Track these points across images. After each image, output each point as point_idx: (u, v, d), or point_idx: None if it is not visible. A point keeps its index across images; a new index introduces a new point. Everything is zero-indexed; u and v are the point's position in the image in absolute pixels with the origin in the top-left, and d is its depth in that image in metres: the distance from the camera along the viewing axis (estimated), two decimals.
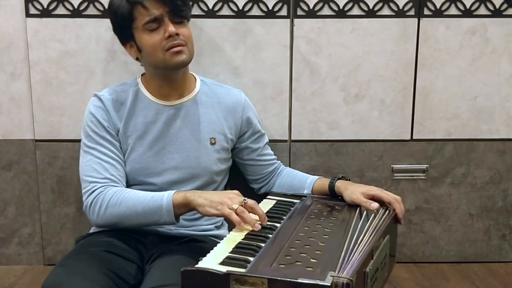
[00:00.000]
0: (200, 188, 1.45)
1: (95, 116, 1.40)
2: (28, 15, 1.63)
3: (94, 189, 1.33)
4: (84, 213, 1.37)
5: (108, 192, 1.32)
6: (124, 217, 1.30)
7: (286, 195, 1.46)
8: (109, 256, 1.29)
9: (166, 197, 1.26)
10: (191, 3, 1.53)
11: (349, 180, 1.46)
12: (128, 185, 1.42)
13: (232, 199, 1.22)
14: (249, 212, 1.20)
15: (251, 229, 1.17)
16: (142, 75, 1.49)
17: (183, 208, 1.26)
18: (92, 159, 1.37)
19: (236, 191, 1.27)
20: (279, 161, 1.62)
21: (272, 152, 1.61)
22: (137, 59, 1.43)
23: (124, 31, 1.39)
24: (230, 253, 1.05)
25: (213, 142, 1.46)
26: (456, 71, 1.71)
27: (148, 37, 1.35)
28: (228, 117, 1.50)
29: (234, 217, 1.18)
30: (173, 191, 1.28)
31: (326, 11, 1.66)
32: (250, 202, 1.22)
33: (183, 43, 1.37)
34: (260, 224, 1.18)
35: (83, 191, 1.36)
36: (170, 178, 1.42)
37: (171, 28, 1.34)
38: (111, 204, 1.30)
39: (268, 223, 1.21)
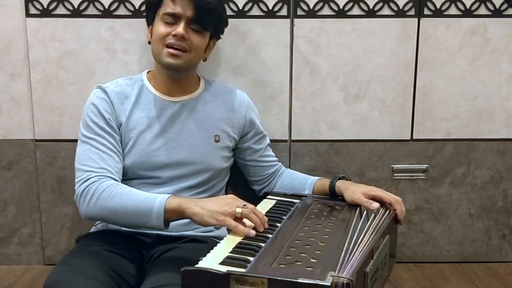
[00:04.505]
0: (201, 184, 1.45)
1: (97, 107, 1.38)
2: (28, 15, 1.63)
3: (88, 178, 1.29)
4: None
5: (102, 183, 1.28)
6: (114, 212, 1.25)
7: (286, 195, 1.46)
8: (110, 255, 1.28)
9: (159, 201, 1.21)
10: (224, 21, 1.50)
11: (350, 180, 1.46)
12: (129, 179, 1.40)
13: (230, 204, 1.17)
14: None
15: (261, 229, 1.16)
16: (148, 72, 1.50)
17: (176, 215, 1.21)
18: (90, 149, 1.34)
19: (231, 195, 1.23)
20: (280, 163, 1.62)
21: (273, 154, 1.61)
22: (149, 42, 1.45)
23: (150, 13, 1.43)
24: (230, 253, 1.05)
25: (217, 139, 1.46)
26: (456, 71, 1.71)
27: (160, 26, 1.37)
28: (231, 117, 1.50)
29: (240, 229, 1.14)
30: (168, 195, 1.23)
31: (326, 11, 1.66)
32: (250, 206, 1.19)
33: (186, 49, 1.37)
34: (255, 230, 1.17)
35: (76, 180, 1.32)
36: (172, 173, 1.42)
37: (180, 30, 1.35)
38: (103, 196, 1.25)
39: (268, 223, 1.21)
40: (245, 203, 1.20)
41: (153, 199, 1.22)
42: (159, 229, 1.23)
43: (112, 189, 1.26)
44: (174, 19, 1.36)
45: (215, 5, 1.40)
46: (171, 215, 1.21)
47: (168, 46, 1.36)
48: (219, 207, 1.17)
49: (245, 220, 1.17)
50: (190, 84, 1.48)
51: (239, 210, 1.16)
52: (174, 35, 1.35)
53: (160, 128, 1.42)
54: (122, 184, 1.31)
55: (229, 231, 1.19)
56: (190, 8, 1.36)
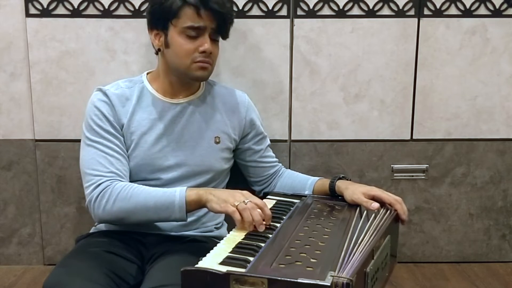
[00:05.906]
0: (202, 185, 1.45)
1: (100, 110, 1.37)
2: (28, 15, 1.63)
3: (99, 182, 1.30)
4: (84, 212, 1.36)
5: (116, 186, 1.29)
6: (133, 212, 1.27)
7: (286, 195, 1.46)
8: (109, 256, 1.28)
9: (178, 193, 1.25)
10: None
11: (350, 180, 1.46)
12: (131, 180, 1.39)
13: (236, 197, 1.21)
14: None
15: (251, 229, 1.17)
16: (147, 73, 1.49)
17: (195, 205, 1.25)
18: (97, 152, 1.34)
19: (245, 191, 1.25)
20: (280, 164, 1.62)
21: (274, 155, 1.61)
22: (158, 49, 1.42)
23: (160, 20, 1.38)
24: (230, 253, 1.05)
25: (217, 141, 1.46)
26: (456, 71, 1.71)
27: (183, 41, 1.35)
28: (232, 118, 1.50)
29: (236, 215, 1.17)
30: (185, 188, 1.27)
31: (326, 11, 1.66)
32: (258, 203, 1.19)
33: (211, 62, 1.39)
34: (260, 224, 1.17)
35: (87, 184, 1.32)
36: (174, 175, 1.42)
37: (209, 46, 1.35)
38: (120, 198, 1.27)
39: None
40: (249, 200, 1.19)
41: (173, 193, 1.26)
42: (181, 221, 1.28)
43: (127, 189, 1.28)
44: (197, 32, 1.35)
45: (233, 13, 1.43)
46: (191, 205, 1.25)
47: (196, 62, 1.36)
48: (226, 197, 1.22)
49: (246, 214, 1.16)
50: (193, 85, 1.48)
51: (237, 203, 1.18)
52: (203, 52, 1.35)
53: (162, 130, 1.42)
54: (134, 183, 1.32)
55: (230, 229, 1.20)
56: (214, 20, 1.35)
